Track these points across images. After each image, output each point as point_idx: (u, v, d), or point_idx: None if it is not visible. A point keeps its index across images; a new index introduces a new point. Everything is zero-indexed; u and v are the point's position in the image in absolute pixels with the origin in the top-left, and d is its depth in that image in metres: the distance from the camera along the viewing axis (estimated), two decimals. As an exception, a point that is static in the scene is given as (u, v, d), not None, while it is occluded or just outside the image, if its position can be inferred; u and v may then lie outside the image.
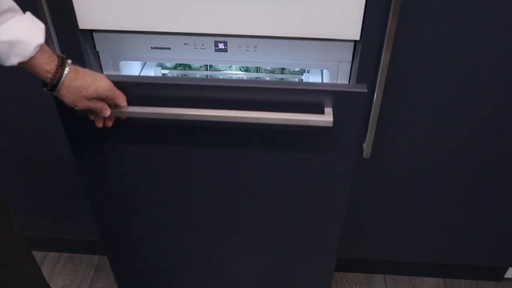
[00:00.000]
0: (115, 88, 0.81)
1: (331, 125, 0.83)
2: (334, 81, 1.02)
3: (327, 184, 0.99)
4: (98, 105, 0.80)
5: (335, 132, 0.88)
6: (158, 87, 0.86)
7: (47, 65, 0.72)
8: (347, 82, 1.01)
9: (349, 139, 0.90)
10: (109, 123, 0.86)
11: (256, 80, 0.88)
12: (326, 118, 0.83)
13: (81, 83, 0.75)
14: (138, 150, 0.96)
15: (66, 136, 0.95)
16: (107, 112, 0.82)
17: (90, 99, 0.78)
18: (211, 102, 0.85)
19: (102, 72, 1.06)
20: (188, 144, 0.95)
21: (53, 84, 0.73)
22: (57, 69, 0.73)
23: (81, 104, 0.78)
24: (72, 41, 0.95)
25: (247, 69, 1.25)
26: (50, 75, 0.72)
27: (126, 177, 1.02)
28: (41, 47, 0.70)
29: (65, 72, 0.73)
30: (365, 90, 0.82)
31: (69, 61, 0.75)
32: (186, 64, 1.26)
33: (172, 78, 0.86)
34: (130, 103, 0.85)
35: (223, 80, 0.85)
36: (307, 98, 0.84)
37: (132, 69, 1.18)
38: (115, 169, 1.00)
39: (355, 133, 0.89)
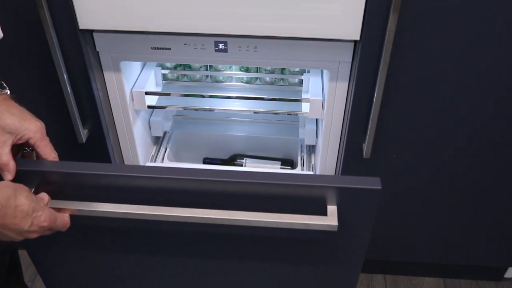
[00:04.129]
0: (44, 134, 0.71)
1: (335, 229, 0.65)
2: (334, 82, 1.01)
3: None
4: (5, 158, 0.67)
5: (340, 237, 0.70)
6: (112, 178, 0.68)
7: None
8: (347, 82, 1.01)
9: (357, 245, 0.73)
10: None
11: (237, 172, 0.67)
12: (329, 221, 0.65)
13: (3, 109, 0.67)
14: (100, 256, 0.82)
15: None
16: (9, 175, 0.67)
17: (5, 133, 0.67)
18: (183, 198, 0.68)
19: (102, 73, 1.06)
20: (163, 252, 0.79)
21: None
22: None
23: None
24: (72, 41, 0.95)
25: (247, 69, 1.26)
26: None
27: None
28: None
29: None
30: (379, 187, 0.65)
31: (7, 91, 0.70)
32: (186, 65, 1.26)
33: (129, 166, 0.73)
34: (76, 197, 0.70)
35: (198, 171, 0.68)
36: (305, 194, 0.66)
37: (132, 69, 1.18)
38: (75, 274, 0.88)
39: (365, 238, 0.72)
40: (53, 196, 0.71)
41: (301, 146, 1.36)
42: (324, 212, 0.66)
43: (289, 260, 0.76)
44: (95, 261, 0.84)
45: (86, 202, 0.70)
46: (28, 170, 0.69)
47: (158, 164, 1.29)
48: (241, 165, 1.35)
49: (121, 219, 0.69)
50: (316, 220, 0.65)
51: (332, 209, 0.66)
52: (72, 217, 0.71)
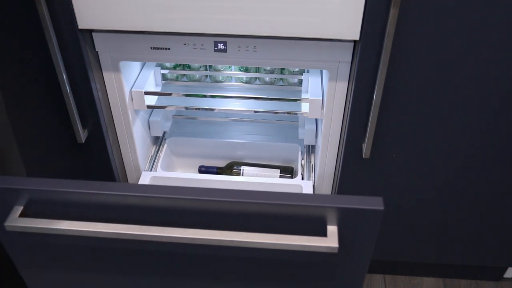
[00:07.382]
0: None
1: (335, 251, 0.63)
2: (333, 82, 1.01)
3: None
4: None
5: (341, 258, 0.68)
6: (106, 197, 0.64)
7: None
8: (346, 82, 1.01)
9: (358, 265, 0.69)
10: None
11: (234, 191, 0.63)
12: (329, 242, 0.63)
13: None
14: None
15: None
16: None
17: None
18: (176, 218, 0.65)
19: (101, 72, 1.06)
20: (155, 274, 0.75)
21: None
22: None
23: None
24: (71, 41, 0.95)
25: (246, 69, 1.26)
26: None
27: None
28: None
29: None
30: (382, 208, 0.64)
31: None
32: (185, 65, 1.26)
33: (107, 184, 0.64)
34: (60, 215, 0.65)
35: (191, 189, 0.63)
36: (304, 214, 0.63)
37: (132, 69, 1.18)
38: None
39: (366, 258, 0.68)
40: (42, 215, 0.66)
41: (301, 152, 1.35)
42: (324, 233, 0.64)
43: (286, 280, 0.74)
44: (87, 283, 0.81)
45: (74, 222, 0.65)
46: (15, 188, 0.65)
47: (153, 173, 1.26)
48: (239, 174, 1.32)
49: (110, 239, 0.65)
50: (315, 241, 0.62)
51: (332, 229, 0.64)
52: (62, 237, 0.67)
